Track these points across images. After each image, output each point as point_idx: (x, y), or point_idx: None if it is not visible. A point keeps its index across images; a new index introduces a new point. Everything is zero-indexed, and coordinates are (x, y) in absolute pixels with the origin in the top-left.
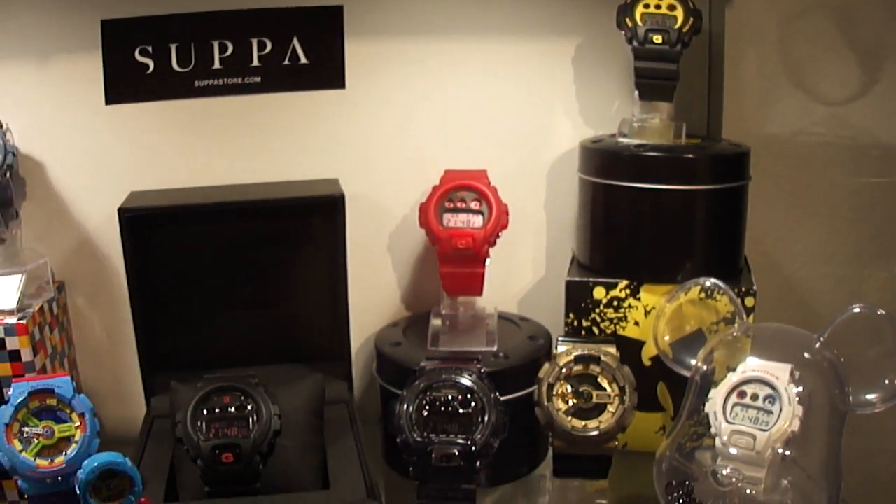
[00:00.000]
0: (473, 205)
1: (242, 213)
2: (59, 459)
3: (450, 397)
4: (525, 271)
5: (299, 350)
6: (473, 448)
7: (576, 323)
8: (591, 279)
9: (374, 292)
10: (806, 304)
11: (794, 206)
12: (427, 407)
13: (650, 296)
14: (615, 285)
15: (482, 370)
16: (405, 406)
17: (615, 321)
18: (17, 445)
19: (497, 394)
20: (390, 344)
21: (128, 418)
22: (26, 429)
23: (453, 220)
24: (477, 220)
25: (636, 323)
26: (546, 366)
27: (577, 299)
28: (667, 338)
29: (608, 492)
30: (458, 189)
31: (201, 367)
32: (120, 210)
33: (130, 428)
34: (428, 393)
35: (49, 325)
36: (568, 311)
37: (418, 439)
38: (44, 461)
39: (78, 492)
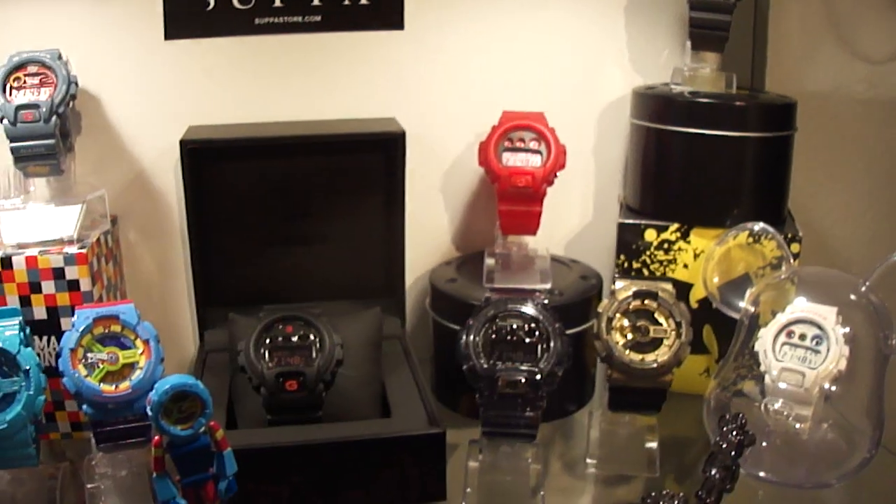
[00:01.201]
0: (532, 145)
1: (302, 149)
2: (124, 385)
3: (515, 326)
4: (572, 216)
5: (352, 287)
6: (539, 376)
7: (626, 265)
8: (642, 221)
9: (426, 231)
10: (840, 258)
11: (831, 161)
12: (493, 335)
13: (699, 239)
14: (666, 228)
15: (545, 301)
16: (471, 334)
17: (665, 263)
18: (82, 371)
19: (561, 324)
20: (446, 280)
21: (177, 354)
22: (91, 355)
23: (512, 159)
24: (535, 160)
25: (685, 266)
26: (605, 300)
27: (629, 241)
28: (715, 280)
29: (656, 429)
30: (518, 129)
31: (253, 302)
32: (182, 142)
33: (179, 363)
34: (494, 322)
35: (104, 257)
36: (619, 252)
37: (485, 366)
38: (108, 387)
39: (149, 413)
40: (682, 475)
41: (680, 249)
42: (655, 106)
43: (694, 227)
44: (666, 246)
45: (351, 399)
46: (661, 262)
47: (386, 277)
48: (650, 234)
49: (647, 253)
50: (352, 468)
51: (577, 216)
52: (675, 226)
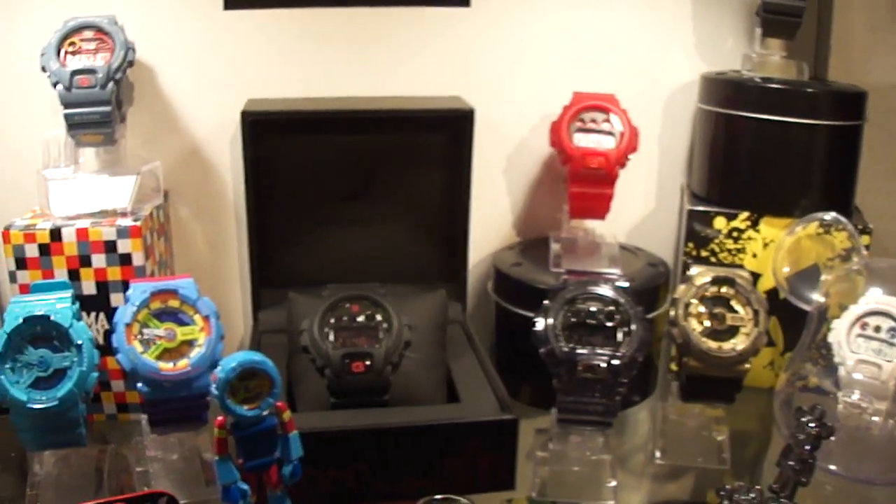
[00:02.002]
0: (605, 126)
1: (367, 125)
2: (183, 363)
3: (594, 309)
4: (635, 203)
5: (411, 270)
6: (619, 361)
7: (694, 252)
8: (712, 209)
9: (487, 215)
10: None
11: (892, 155)
12: (572, 318)
13: (769, 228)
14: (735, 216)
15: (625, 283)
16: (549, 317)
17: (734, 252)
18: (138, 347)
19: (642, 308)
20: (510, 264)
21: (227, 335)
22: (147, 330)
23: (584, 140)
24: (607, 142)
25: (754, 255)
26: (682, 286)
27: (698, 229)
28: (785, 270)
29: (725, 421)
30: (591, 109)
31: (309, 284)
32: (243, 113)
33: (229, 345)
34: (573, 304)
35: (156, 232)
36: (688, 239)
37: (565, 350)
38: (166, 364)
39: (214, 391)
40: (747, 468)
41: (749, 238)
42: (726, 91)
43: (764, 216)
44: (735, 234)
45: (416, 383)
46: (729, 251)
47: (447, 261)
48: (720, 222)
49: (716, 241)
50: (419, 455)
51: (640, 204)
52: (745, 214)
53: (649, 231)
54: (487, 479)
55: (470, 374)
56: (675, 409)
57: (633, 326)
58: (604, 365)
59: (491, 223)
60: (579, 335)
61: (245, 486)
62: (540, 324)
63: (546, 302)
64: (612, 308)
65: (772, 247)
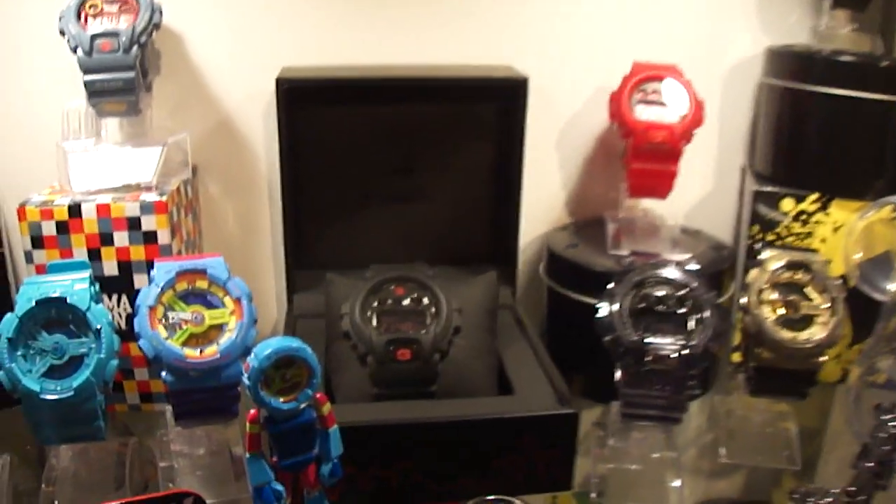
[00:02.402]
0: (667, 98)
1: (411, 94)
2: (211, 350)
3: (664, 294)
4: (692, 184)
5: (458, 252)
6: (691, 351)
7: (759, 236)
8: (779, 189)
9: (538, 193)
10: None
11: None
12: (640, 304)
13: (840, 211)
14: (804, 198)
15: (696, 267)
16: (615, 302)
17: (801, 236)
18: (162, 332)
19: (714, 293)
20: (565, 246)
21: (259, 319)
22: (172, 314)
23: (647, 113)
24: (671, 115)
25: (822, 240)
26: (754, 271)
27: (764, 211)
28: (857, 256)
29: (793, 416)
30: (653, 80)
31: (348, 265)
32: (278, 80)
33: (262, 330)
34: (641, 289)
35: (184, 208)
36: (752, 222)
37: (633, 338)
38: (192, 351)
39: (247, 382)
40: (811, 468)
41: (818, 222)
42: (794, 64)
43: (834, 199)
44: (804, 217)
45: (465, 372)
46: (796, 235)
47: (497, 242)
48: (787, 204)
49: (783, 224)
50: (470, 452)
51: (697, 184)
52: (815, 196)
53: (707, 213)
54: (543, 478)
55: (523, 364)
56: (741, 404)
57: (706, 314)
58: (674, 355)
59: (542, 202)
60: (647, 322)
61: (280, 487)
62: (604, 309)
63: (610, 286)
64: (682, 293)
65: (842, 232)
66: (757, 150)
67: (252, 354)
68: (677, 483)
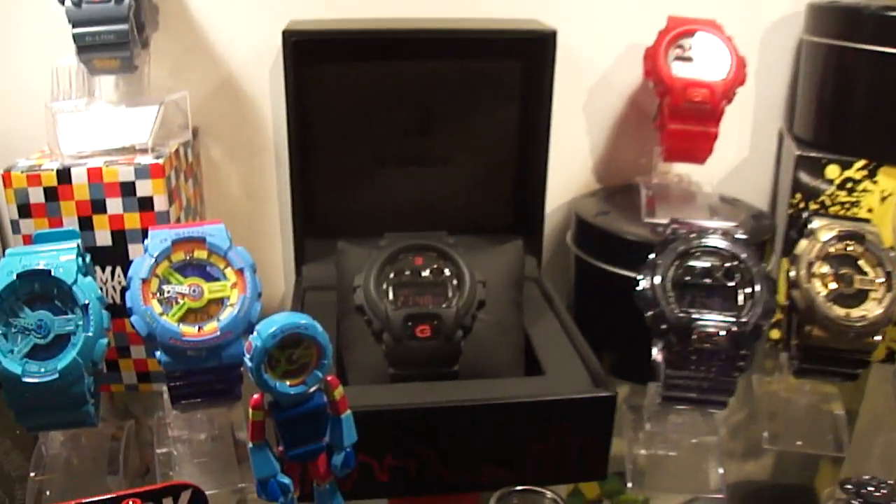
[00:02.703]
0: (707, 55)
1: (430, 49)
2: (211, 327)
3: (711, 265)
4: (726, 149)
5: (478, 219)
6: (743, 329)
7: (802, 204)
8: (824, 156)
9: (565, 156)
10: None
11: None
12: (686, 276)
13: (888, 179)
14: (850, 164)
15: (744, 236)
16: (657, 274)
17: (847, 206)
18: (157, 307)
19: (765, 265)
20: (595, 213)
21: (265, 292)
22: (168, 287)
23: (685, 70)
24: (711, 73)
25: (869, 210)
26: (804, 242)
27: (806, 178)
28: None
29: (840, 398)
30: (690, 35)
31: (361, 233)
32: (285, 33)
33: (269, 303)
34: (685, 259)
35: (184, 173)
36: (794, 190)
37: (679, 314)
38: (190, 328)
39: (249, 364)
40: (863, 456)
41: (865, 190)
42: (840, 21)
43: (882, 166)
44: (849, 185)
45: (490, 351)
46: (841, 204)
47: (521, 209)
48: (832, 171)
49: (828, 192)
50: (496, 438)
51: (733, 151)
52: (862, 162)
53: (743, 181)
54: (575, 467)
55: (553, 341)
56: (784, 385)
57: (757, 287)
58: (723, 333)
59: (568, 167)
60: (692, 296)
61: (286, 480)
62: (645, 282)
63: (651, 256)
64: (731, 265)
65: (890, 201)
66: (797, 113)
67: (255, 333)
68: (721, 471)
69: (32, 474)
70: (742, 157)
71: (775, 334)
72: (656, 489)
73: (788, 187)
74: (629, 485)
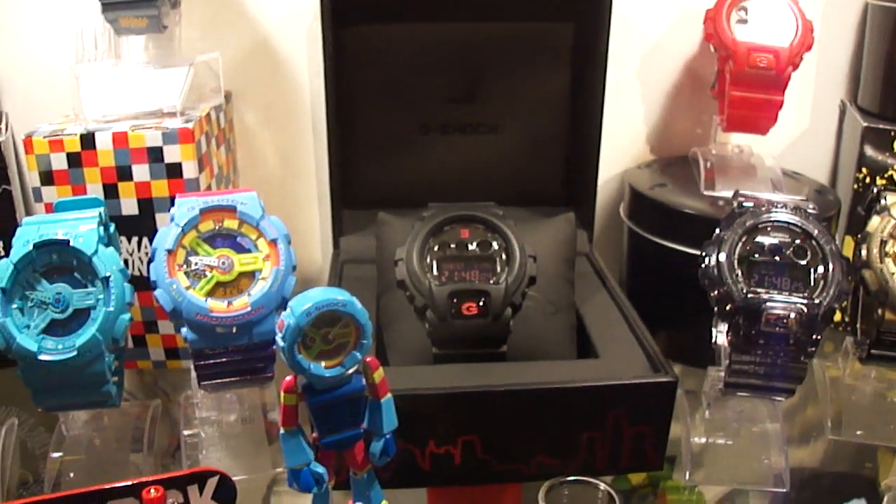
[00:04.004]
0: (770, 18)
1: (476, 10)
2: (241, 302)
3: (780, 242)
4: (785, 122)
5: (525, 190)
6: (815, 311)
7: (868, 179)
8: (893, 128)
9: (616, 126)
10: None
11: None
12: (754, 253)
13: None
14: None
15: (815, 210)
16: (723, 251)
17: None
18: (183, 281)
19: (836, 244)
20: (651, 185)
21: (300, 265)
22: (195, 259)
23: (748, 34)
24: (776, 37)
25: None
26: (875, 219)
27: (873, 152)
28: None
29: None
30: None
31: (401, 205)
32: None
33: (305, 277)
34: (754, 235)
35: (215, 139)
36: (860, 164)
37: (747, 295)
38: (219, 303)
39: (280, 343)
40: None
41: None
42: None
43: None
44: None
45: (540, 330)
46: None
47: (571, 180)
48: None
49: None
50: (547, 425)
51: (792, 123)
52: None
53: (801, 155)
54: (630, 457)
55: (607, 321)
56: (849, 371)
57: (830, 266)
58: (794, 315)
59: (620, 136)
60: (760, 275)
61: (320, 469)
62: (710, 258)
63: (718, 231)
64: (802, 242)
65: None
66: (863, 83)
67: (288, 310)
68: (784, 461)
69: (52, 453)
70: (801, 130)
71: (836, 317)
72: (714, 479)
73: (853, 162)
74: (687, 474)
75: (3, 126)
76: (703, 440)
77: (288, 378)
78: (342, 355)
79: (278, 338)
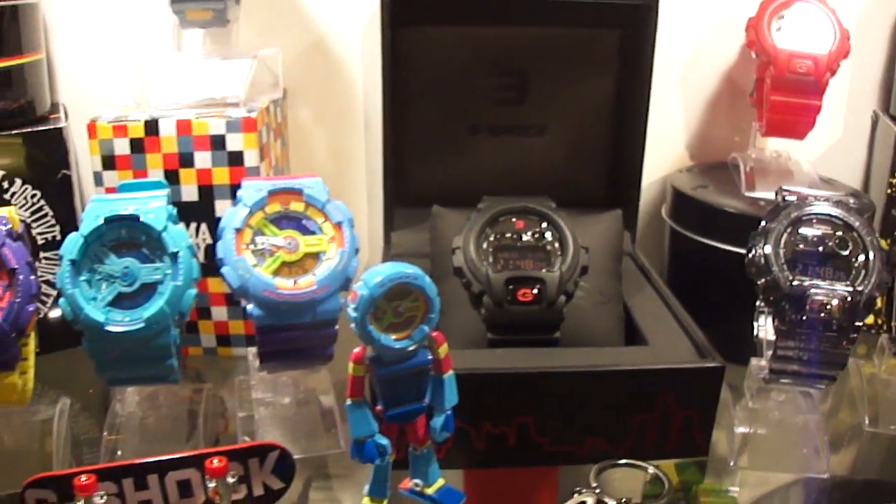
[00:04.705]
0: (808, 26)
1: (526, 14)
2: (307, 281)
3: (822, 233)
4: (819, 130)
5: (570, 190)
6: (857, 299)
7: None
8: None
9: (658, 131)
10: None
11: None
12: (799, 244)
13: None
14: None
15: (855, 205)
16: (769, 242)
17: None
18: (250, 259)
19: (877, 236)
20: (693, 186)
21: None
22: (261, 239)
23: (788, 41)
24: (814, 45)
25: None
26: None
27: None
28: None
29: None
30: (792, 5)
31: (450, 203)
32: None
33: None
34: (798, 227)
35: (273, 132)
36: (893, 170)
37: (793, 283)
38: (284, 282)
39: (352, 314)
40: None
41: None
42: None
43: None
44: None
45: (590, 319)
46: None
47: (615, 182)
48: None
49: None
50: (599, 409)
51: (826, 131)
52: None
53: (834, 162)
54: (677, 441)
55: (654, 313)
56: (886, 368)
57: (871, 256)
58: (837, 301)
59: (662, 141)
60: (804, 265)
61: (384, 441)
62: (757, 249)
63: (764, 223)
64: (844, 233)
65: None
66: (895, 93)
67: (361, 282)
68: (824, 449)
69: (106, 434)
70: (835, 139)
71: (870, 319)
72: (757, 465)
73: (886, 167)
74: (732, 462)
75: (63, 114)
76: (746, 430)
77: (357, 350)
78: (410, 328)
79: (350, 308)
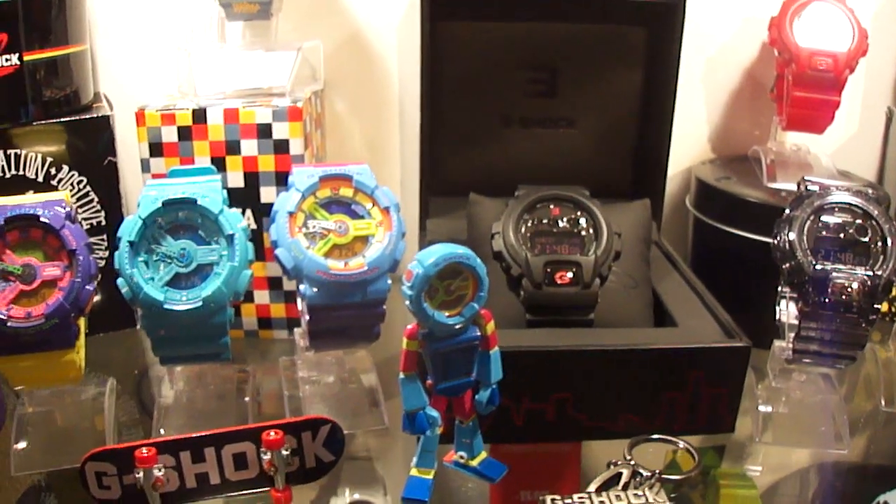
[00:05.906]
0: (828, 25)
1: (558, 11)
2: (357, 263)
3: (843, 221)
4: (835, 126)
5: (599, 180)
6: (877, 282)
7: None
8: None
9: (682, 125)
10: None
11: None
12: (821, 231)
13: None
14: None
15: (873, 194)
16: (793, 228)
17: None
18: (303, 241)
19: (894, 224)
20: (717, 178)
21: None
22: (313, 222)
23: (809, 39)
24: (834, 43)
25: None
26: None
27: None
28: None
29: None
30: (814, 5)
31: (483, 192)
32: None
33: None
34: (819, 215)
35: (314, 122)
36: None
37: (816, 267)
38: (336, 263)
39: (408, 292)
40: None
41: None
42: None
43: None
44: None
45: (623, 301)
46: None
47: (641, 173)
48: None
49: None
50: (632, 386)
51: (842, 126)
52: None
53: (849, 157)
54: (706, 418)
55: (681, 297)
56: None
57: (889, 242)
58: (857, 284)
59: (685, 134)
60: (826, 250)
61: (434, 413)
62: (782, 235)
63: (788, 211)
64: (864, 221)
65: None
66: None
67: (415, 261)
68: (844, 426)
69: (156, 413)
70: (850, 134)
71: (884, 307)
72: (780, 441)
73: None
74: (757, 438)
75: (106, 103)
76: (769, 409)
77: (410, 326)
78: (461, 306)
79: (406, 287)
